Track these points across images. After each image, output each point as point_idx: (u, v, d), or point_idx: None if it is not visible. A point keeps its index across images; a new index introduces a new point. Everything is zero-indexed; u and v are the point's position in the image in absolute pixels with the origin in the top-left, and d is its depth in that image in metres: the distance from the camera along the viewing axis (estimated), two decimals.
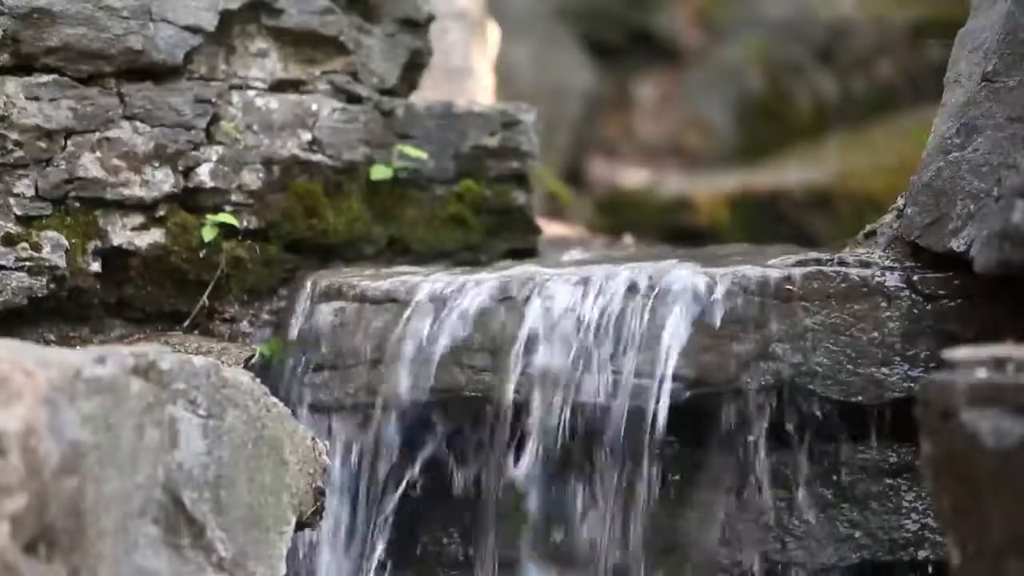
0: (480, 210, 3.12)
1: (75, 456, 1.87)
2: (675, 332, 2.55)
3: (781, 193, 5.71)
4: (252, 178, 2.91)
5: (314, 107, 2.97)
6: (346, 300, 2.75)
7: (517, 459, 2.58)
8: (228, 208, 2.88)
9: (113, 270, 2.81)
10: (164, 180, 2.82)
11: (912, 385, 2.49)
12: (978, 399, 1.79)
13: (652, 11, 7.35)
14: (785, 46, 7.03)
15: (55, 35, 2.72)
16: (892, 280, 2.58)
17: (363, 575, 2.64)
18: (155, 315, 2.86)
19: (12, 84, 2.71)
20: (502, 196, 3.14)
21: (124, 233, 2.81)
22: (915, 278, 2.57)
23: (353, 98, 3.02)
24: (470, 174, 3.12)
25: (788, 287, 2.56)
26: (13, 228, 2.69)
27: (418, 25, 3.13)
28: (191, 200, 2.86)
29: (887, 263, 2.63)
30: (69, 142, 2.75)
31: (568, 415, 2.56)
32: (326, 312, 2.76)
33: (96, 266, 2.77)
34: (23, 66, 2.72)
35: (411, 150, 3.06)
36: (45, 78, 2.73)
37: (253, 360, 2.72)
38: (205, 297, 2.86)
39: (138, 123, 2.80)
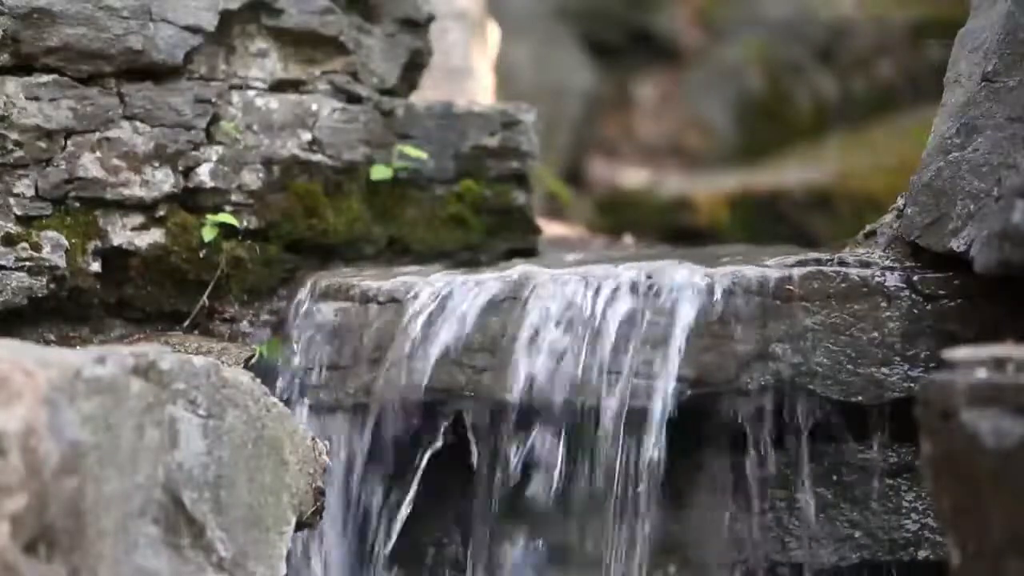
0: (480, 210, 3.12)
1: (75, 456, 1.87)
2: (675, 332, 2.55)
3: (781, 193, 5.70)
4: (252, 178, 2.91)
5: (314, 107, 2.97)
6: (346, 300, 2.75)
7: (517, 459, 2.58)
8: (228, 208, 2.88)
9: (113, 270, 2.81)
10: (164, 180, 2.82)
11: (912, 385, 2.49)
12: (978, 399, 1.79)
13: (652, 11, 7.35)
14: (785, 46, 7.03)
15: (55, 35, 2.72)
16: (892, 280, 2.57)
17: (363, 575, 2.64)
18: (155, 315, 2.86)
19: (12, 84, 2.71)
20: (502, 196, 3.14)
21: (124, 233, 2.80)
22: (915, 278, 2.57)
23: (353, 98, 3.02)
24: (470, 174, 3.12)
25: (788, 287, 2.56)
26: (13, 228, 2.69)
27: (418, 25, 3.13)
28: (191, 200, 2.86)
29: (887, 263, 2.63)
30: (69, 142, 2.75)
31: (568, 415, 2.56)
32: (326, 312, 2.76)
33: (96, 266, 2.77)
34: (23, 66, 2.72)
35: (411, 150, 3.06)
36: (45, 78, 2.73)
37: (253, 360, 2.72)
38: (205, 297, 2.86)
39: (138, 123, 2.80)
